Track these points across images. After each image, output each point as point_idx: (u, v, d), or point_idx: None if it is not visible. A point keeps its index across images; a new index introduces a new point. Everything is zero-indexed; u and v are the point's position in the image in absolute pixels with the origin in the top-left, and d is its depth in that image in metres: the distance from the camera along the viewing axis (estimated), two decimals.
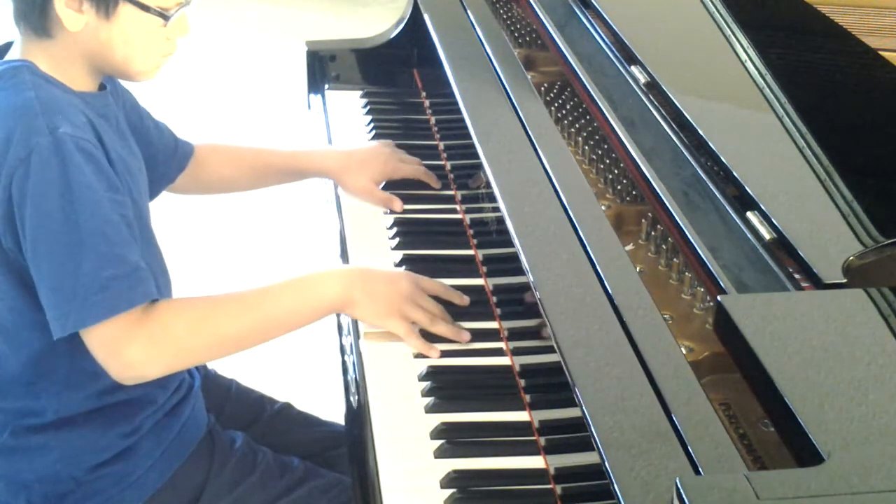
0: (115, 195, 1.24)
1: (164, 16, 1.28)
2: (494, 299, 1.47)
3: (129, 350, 1.22)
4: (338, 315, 1.53)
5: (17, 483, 1.35)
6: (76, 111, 1.25)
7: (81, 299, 1.19)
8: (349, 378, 1.39)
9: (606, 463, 0.93)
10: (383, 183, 1.71)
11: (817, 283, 1.07)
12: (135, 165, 1.36)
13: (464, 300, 1.42)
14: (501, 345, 1.39)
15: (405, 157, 1.74)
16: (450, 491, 1.17)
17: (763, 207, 1.17)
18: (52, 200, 1.19)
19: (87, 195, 1.20)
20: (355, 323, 1.45)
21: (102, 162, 1.24)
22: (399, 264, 1.56)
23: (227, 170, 1.66)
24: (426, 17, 1.81)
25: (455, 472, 1.19)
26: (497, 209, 1.34)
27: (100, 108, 1.32)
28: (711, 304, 1.16)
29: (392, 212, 1.67)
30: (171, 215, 1.63)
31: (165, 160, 1.55)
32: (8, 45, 1.34)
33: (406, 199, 1.71)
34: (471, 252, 1.59)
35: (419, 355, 1.36)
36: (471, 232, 1.63)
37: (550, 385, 1.23)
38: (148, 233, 1.38)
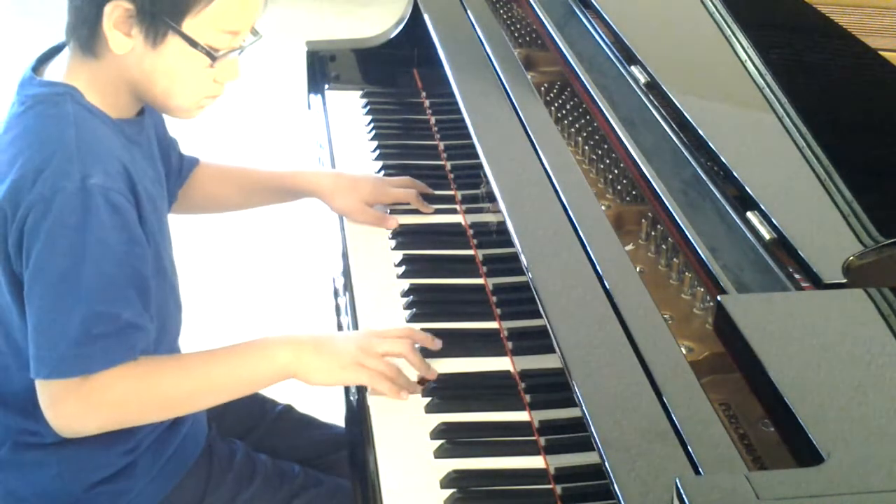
0: (135, 248, 1.22)
1: (211, 56, 1.24)
2: (494, 299, 1.47)
3: (65, 406, 1.21)
4: (337, 315, 1.53)
5: (15, 498, 1.34)
6: (113, 158, 1.22)
7: (63, 350, 1.18)
8: None
9: (606, 463, 0.93)
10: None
11: (817, 283, 1.07)
12: (159, 195, 1.35)
13: (435, 344, 1.36)
14: (501, 345, 1.39)
15: (396, 181, 1.71)
16: (450, 491, 1.17)
17: (763, 207, 1.17)
18: (63, 247, 1.17)
19: (98, 250, 1.18)
20: (355, 324, 1.45)
21: (128, 215, 1.21)
22: (399, 264, 1.56)
23: (216, 188, 1.63)
24: (426, 17, 1.81)
25: (455, 472, 1.19)
26: (496, 209, 1.33)
27: (134, 136, 1.30)
28: (711, 304, 1.16)
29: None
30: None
31: (174, 177, 1.53)
32: (57, 48, 1.31)
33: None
34: (471, 252, 1.59)
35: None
36: (471, 232, 1.63)
37: (550, 385, 1.23)
38: (165, 269, 1.36)
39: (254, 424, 1.57)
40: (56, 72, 1.28)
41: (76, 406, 1.22)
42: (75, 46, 1.25)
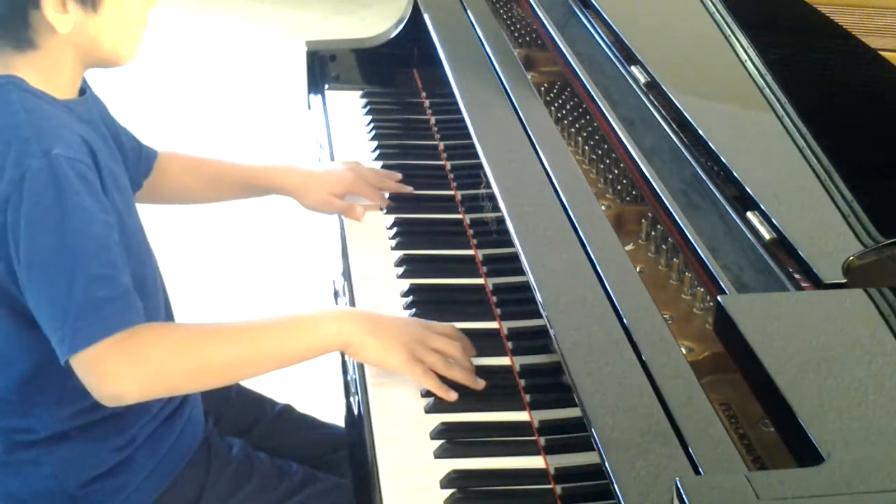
0: (109, 217, 1.22)
1: None
2: (494, 299, 1.47)
3: (106, 366, 1.18)
4: None
5: (12, 498, 1.34)
6: (70, 131, 1.23)
7: (74, 321, 1.16)
8: (349, 378, 1.38)
9: (606, 463, 0.93)
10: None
11: (817, 283, 1.07)
12: (120, 172, 1.35)
13: (472, 351, 1.34)
14: (501, 345, 1.39)
15: (368, 172, 1.71)
16: (450, 491, 1.17)
17: (763, 207, 1.17)
18: (47, 223, 1.17)
19: (81, 217, 1.18)
20: None
21: (95, 184, 1.22)
22: (399, 264, 1.56)
23: (186, 179, 1.63)
24: (426, 17, 1.81)
25: (455, 472, 1.19)
26: (497, 209, 1.33)
27: (84, 115, 1.30)
28: (711, 304, 1.16)
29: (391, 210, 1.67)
30: (165, 218, 1.62)
31: (134, 164, 1.52)
32: None
33: (406, 200, 1.71)
34: (471, 252, 1.59)
35: None
36: (471, 232, 1.63)
37: (550, 385, 1.23)
38: (141, 245, 1.36)
39: (252, 423, 1.57)
40: None
41: (118, 366, 1.18)
42: (5, 47, 1.24)
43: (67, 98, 1.29)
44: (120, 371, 1.18)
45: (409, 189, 1.71)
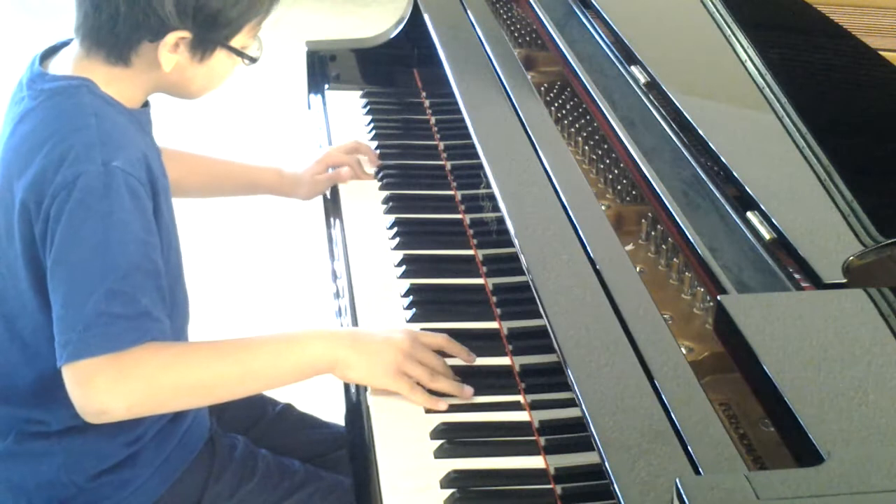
0: (151, 238, 1.23)
1: (252, 59, 1.34)
2: (494, 299, 1.47)
3: (97, 380, 1.18)
4: (338, 316, 1.52)
5: (19, 488, 1.35)
6: (133, 145, 1.24)
7: (83, 330, 1.16)
8: None
9: (606, 463, 0.93)
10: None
11: (817, 283, 1.07)
12: (167, 183, 1.36)
13: (470, 357, 1.35)
14: (501, 345, 1.39)
15: (339, 145, 1.81)
16: (450, 491, 1.17)
17: (763, 207, 1.17)
18: (86, 229, 1.18)
19: (121, 232, 1.18)
20: (355, 325, 1.45)
21: (145, 204, 1.23)
22: (399, 264, 1.56)
23: (183, 177, 1.64)
24: (426, 17, 1.81)
25: (455, 472, 1.19)
26: (497, 209, 1.33)
27: (145, 125, 1.33)
28: (711, 304, 1.16)
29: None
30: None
31: None
32: (58, 45, 1.33)
33: (406, 200, 1.71)
34: (471, 252, 1.59)
35: None
36: (471, 232, 1.63)
37: (550, 385, 1.23)
38: (180, 257, 1.38)
39: (253, 423, 1.57)
40: (63, 67, 1.29)
41: (108, 380, 1.18)
42: (97, 55, 1.26)
43: (133, 107, 1.31)
44: (109, 385, 1.19)
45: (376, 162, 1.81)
